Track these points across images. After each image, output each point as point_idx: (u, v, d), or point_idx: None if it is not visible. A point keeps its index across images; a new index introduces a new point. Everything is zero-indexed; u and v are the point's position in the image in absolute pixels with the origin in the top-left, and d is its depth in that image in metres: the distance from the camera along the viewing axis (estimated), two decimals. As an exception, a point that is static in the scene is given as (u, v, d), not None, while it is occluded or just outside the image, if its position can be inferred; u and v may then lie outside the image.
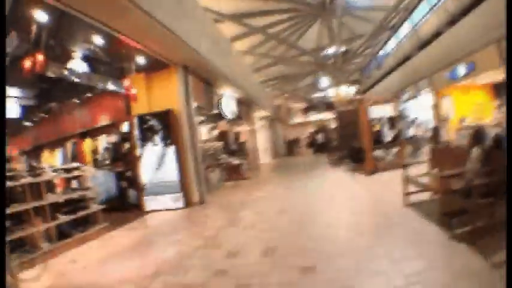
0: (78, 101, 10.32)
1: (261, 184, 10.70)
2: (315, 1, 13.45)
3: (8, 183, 4.76)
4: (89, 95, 9.93)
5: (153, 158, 7.79)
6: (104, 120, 9.66)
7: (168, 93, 8.00)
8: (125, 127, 8.95)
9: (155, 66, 8.05)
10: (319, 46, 17.54)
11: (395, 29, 13.45)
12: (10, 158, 12.86)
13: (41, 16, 5.40)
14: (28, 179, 5.17)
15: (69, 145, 10.45)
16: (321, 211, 5.94)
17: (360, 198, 6.66)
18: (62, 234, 5.65)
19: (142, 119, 8.00)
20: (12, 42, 5.61)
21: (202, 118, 11.02)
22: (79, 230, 5.95)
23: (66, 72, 6.41)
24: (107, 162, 9.48)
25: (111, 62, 7.46)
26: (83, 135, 10.21)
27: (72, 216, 5.84)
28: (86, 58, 6.99)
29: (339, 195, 7.29)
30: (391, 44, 15.46)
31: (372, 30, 14.62)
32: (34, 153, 12.06)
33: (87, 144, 10.07)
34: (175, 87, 7.93)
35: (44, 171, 5.65)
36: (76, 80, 6.69)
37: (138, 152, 8.00)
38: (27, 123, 12.07)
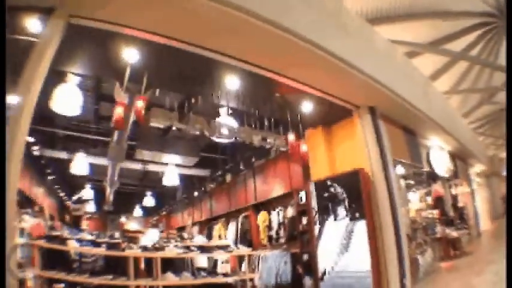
0: (248, 170, 10.08)
1: (484, 263, 8.12)
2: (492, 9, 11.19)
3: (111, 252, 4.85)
4: (259, 161, 9.63)
5: (335, 238, 6.18)
6: (278, 190, 8.83)
7: (355, 148, 6.50)
8: (302, 197, 7.81)
9: (333, 116, 6.94)
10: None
11: None
12: (182, 228, 13.83)
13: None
14: (133, 252, 4.94)
15: (241, 219, 9.96)
16: None
17: None
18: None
19: (321, 186, 6.68)
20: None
21: (409, 181, 9.04)
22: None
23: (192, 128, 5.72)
24: (282, 240, 8.44)
25: (271, 114, 6.60)
26: (256, 208, 9.59)
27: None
28: (232, 112, 6.39)
29: None
30: None
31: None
32: (207, 225, 12.21)
33: (261, 218, 9.33)
34: (363, 139, 6.37)
35: (167, 246, 5.38)
36: (221, 138, 6.04)
37: (316, 228, 6.61)
38: (196, 194, 12.69)
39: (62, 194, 13.33)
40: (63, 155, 10.29)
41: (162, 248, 5.42)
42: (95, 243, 5.18)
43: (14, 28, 3.98)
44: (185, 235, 8.67)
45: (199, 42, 4.80)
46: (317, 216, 6.67)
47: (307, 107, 6.43)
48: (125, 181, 14.40)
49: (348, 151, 6.73)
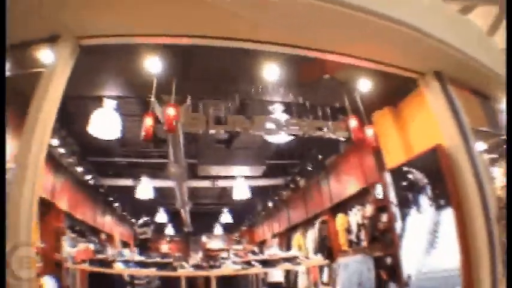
0: (319, 170, 9.45)
1: None
2: None
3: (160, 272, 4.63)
4: (329, 159, 8.99)
5: (419, 234, 5.22)
6: (353, 187, 7.96)
7: (428, 123, 5.49)
8: (378, 191, 6.92)
9: (398, 92, 6.05)
10: None
11: None
12: (264, 241, 13.41)
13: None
14: (185, 272, 4.74)
15: (318, 224, 9.24)
16: None
17: None
18: None
19: (397, 174, 5.82)
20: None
21: (492, 155, 7.54)
22: None
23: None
24: (363, 244, 7.56)
25: (324, 101, 5.87)
26: (334, 211, 8.81)
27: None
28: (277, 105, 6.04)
29: None
30: None
31: None
32: (286, 235, 11.69)
33: (339, 221, 8.52)
34: (434, 110, 5.35)
35: (223, 263, 4.58)
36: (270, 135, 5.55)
37: (396, 225, 5.73)
38: (273, 205, 12.25)
39: (133, 221, 13.78)
40: (128, 182, 10.57)
41: (217, 265, 5.01)
42: (143, 264, 4.99)
43: (23, 63, 4.24)
44: (255, 249, 8.23)
45: (228, 34, 4.49)
46: (396, 210, 5.82)
47: (365, 85, 5.68)
48: (202, 201, 14.58)
49: (421, 128, 5.73)
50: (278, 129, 5.38)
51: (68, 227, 8.39)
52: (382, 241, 6.53)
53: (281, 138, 6.80)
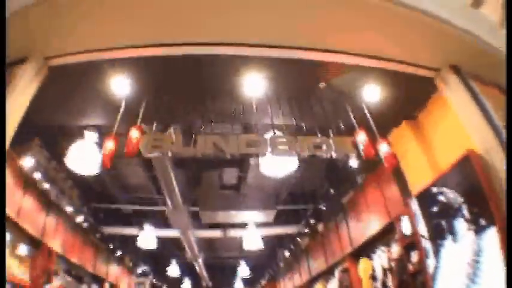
0: (337, 211, 8.28)
1: None
2: None
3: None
4: (346, 196, 7.90)
5: (457, 269, 3.95)
6: (375, 225, 6.71)
7: (454, 131, 4.40)
8: (405, 225, 5.69)
9: (414, 100, 5.09)
10: None
11: None
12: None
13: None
14: None
15: (338, 274, 7.90)
16: None
17: None
18: None
19: (425, 199, 4.72)
20: None
21: None
22: None
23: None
24: (392, 291, 6.20)
25: (324, 115, 4.91)
26: (355, 256, 7.50)
27: None
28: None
29: None
30: None
31: None
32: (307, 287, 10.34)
33: (362, 267, 7.19)
34: (457, 111, 4.17)
35: None
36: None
37: (429, 263, 4.49)
38: (291, 255, 11.00)
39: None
40: (131, 230, 9.73)
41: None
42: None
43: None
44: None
45: (204, 39, 3.82)
46: (427, 244, 4.61)
47: (374, 94, 4.76)
48: (219, 253, 13.51)
49: (447, 138, 4.67)
50: (262, 149, 4.31)
51: (64, 270, 7.88)
52: (412, 285, 5.22)
53: (278, 170, 5.72)
